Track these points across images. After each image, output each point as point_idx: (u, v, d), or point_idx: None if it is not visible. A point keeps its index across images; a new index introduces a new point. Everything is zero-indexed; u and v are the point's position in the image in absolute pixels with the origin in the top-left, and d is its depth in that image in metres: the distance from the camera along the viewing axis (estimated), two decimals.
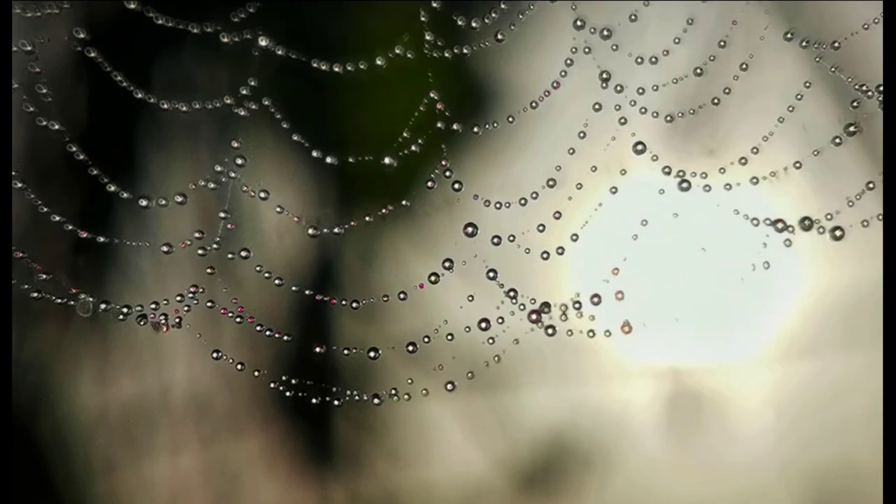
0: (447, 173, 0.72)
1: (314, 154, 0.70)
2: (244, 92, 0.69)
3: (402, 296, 0.73)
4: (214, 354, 0.71)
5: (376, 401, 0.74)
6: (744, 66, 0.73)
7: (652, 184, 0.74)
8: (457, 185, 0.72)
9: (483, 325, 0.73)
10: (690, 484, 0.76)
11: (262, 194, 0.69)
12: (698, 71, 0.73)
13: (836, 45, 0.71)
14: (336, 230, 0.70)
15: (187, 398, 0.73)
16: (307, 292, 0.72)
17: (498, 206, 0.73)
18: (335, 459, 0.75)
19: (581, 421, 0.74)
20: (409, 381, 0.73)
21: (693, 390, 0.76)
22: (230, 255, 0.69)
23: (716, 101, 0.73)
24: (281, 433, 0.74)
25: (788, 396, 0.75)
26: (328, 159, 0.71)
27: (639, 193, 0.74)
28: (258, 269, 0.73)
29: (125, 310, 0.66)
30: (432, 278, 0.72)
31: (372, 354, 0.73)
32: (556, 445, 0.75)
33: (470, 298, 0.73)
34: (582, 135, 0.73)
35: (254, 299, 0.73)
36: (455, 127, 0.71)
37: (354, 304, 0.71)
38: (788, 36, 0.73)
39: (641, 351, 0.76)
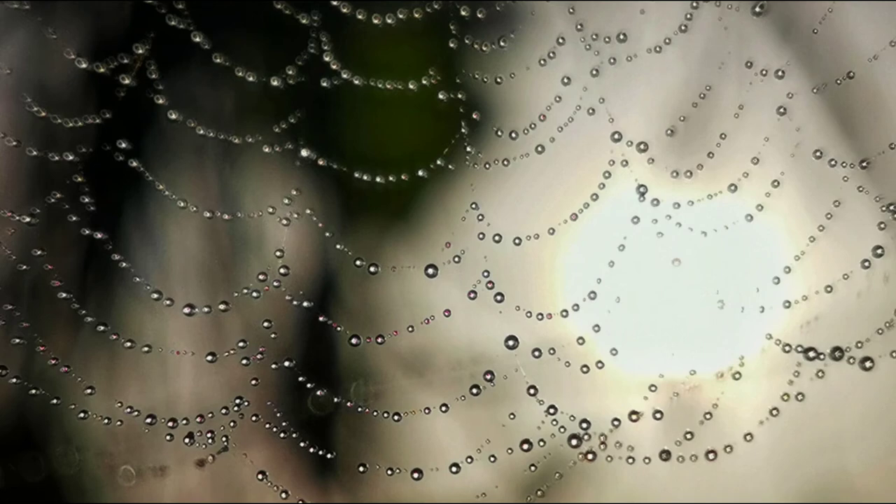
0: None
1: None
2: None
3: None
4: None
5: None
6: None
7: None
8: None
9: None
10: (684, 496, 0.77)
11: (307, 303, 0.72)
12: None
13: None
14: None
15: (193, 412, 0.75)
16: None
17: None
18: (337, 471, 0.76)
19: (577, 431, 0.75)
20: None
21: (688, 402, 0.77)
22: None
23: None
24: (284, 446, 0.75)
25: (782, 408, 0.76)
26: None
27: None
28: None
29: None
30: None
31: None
32: (554, 456, 0.76)
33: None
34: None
35: (257, 311, 0.74)
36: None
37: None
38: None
39: (638, 363, 0.77)
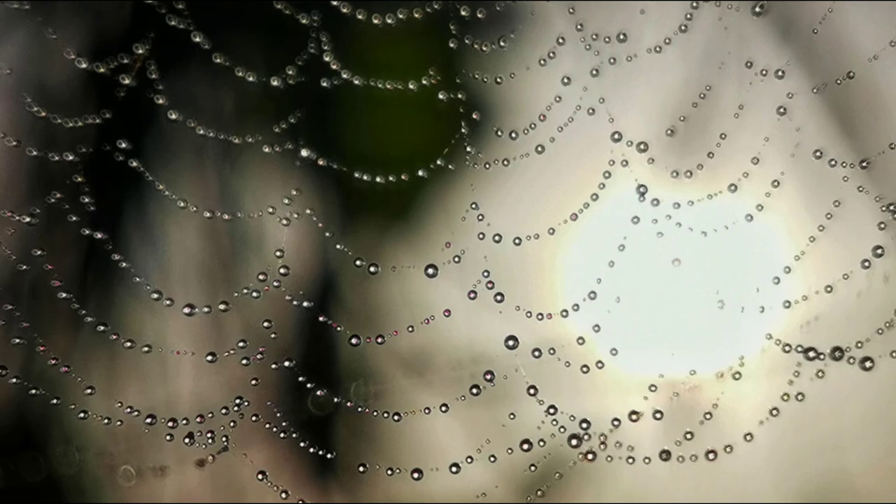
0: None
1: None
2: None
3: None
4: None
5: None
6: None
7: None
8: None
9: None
10: (684, 496, 0.77)
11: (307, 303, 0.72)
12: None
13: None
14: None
15: (193, 412, 0.75)
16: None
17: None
18: (337, 471, 0.76)
19: (577, 431, 0.75)
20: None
21: (688, 402, 0.77)
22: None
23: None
24: (284, 446, 0.75)
25: (782, 408, 0.76)
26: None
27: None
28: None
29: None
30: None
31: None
32: (554, 456, 0.76)
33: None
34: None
35: (258, 311, 0.74)
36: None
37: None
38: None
39: (638, 363, 0.77)
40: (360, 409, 0.75)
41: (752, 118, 0.75)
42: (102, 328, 0.74)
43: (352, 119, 0.75)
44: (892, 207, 0.75)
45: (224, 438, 0.74)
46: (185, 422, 0.74)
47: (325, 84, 0.74)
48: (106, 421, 0.74)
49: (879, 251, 0.75)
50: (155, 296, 0.74)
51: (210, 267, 0.75)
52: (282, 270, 0.74)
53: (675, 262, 0.76)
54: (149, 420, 0.74)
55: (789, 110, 0.75)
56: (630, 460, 0.75)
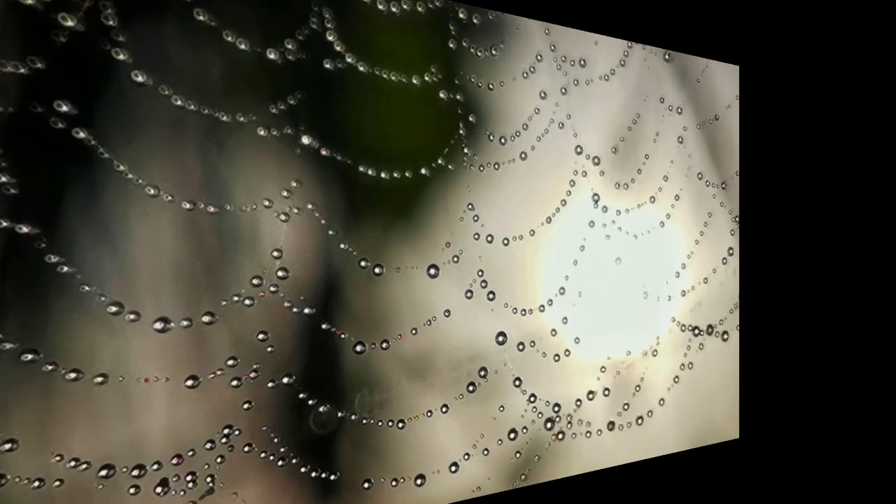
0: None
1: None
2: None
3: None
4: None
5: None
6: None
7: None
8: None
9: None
10: (623, 458, 0.91)
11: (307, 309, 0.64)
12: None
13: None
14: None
15: (167, 453, 0.59)
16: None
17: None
18: (342, 491, 0.68)
19: (551, 415, 0.83)
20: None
21: (625, 379, 0.91)
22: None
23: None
24: (282, 475, 0.65)
25: (681, 376, 0.96)
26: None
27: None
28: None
29: None
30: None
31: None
32: (534, 441, 0.81)
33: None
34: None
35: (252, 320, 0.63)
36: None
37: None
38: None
39: (593, 349, 0.88)
40: (364, 421, 0.70)
41: (664, 144, 0.93)
42: (30, 357, 0.54)
43: (357, 107, 0.69)
44: (736, 219, 1.01)
45: (208, 479, 0.61)
46: (155, 466, 0.59)
47: (328, 66, 0.67)
48: (36, 484, 0.54)
49: (731, 251, 1.00)
50: (112, 309, 0.57)
51: (191, 271, 0.60)
52: (279, 273, 0.65)
53: (617, 260, 0.89)
54: (103, 472, 0.57)
55: (685, 140, 0.95)
56: (587, 434, 0.85)
